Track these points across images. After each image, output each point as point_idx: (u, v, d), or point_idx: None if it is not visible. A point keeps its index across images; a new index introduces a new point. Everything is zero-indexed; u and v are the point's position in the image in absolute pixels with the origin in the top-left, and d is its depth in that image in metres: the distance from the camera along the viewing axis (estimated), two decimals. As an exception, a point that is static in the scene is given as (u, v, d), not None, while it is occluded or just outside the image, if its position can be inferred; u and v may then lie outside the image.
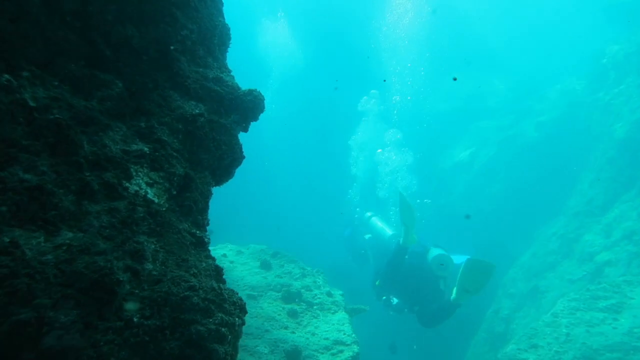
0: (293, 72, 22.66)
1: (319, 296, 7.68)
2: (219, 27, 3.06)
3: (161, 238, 2.33)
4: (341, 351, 6.46)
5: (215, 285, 2.28)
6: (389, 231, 12.18)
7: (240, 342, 6.32)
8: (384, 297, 8.88)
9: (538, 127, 15.52)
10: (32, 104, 2.25)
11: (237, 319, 2.22)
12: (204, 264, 2.38)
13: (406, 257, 9.02)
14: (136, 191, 2.35)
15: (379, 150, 17.21)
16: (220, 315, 2.18)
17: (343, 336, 6.72)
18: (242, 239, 9.65)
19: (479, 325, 13.14)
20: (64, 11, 2.57)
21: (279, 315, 7.01)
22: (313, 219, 17.71)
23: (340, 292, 7.99)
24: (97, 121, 2.47)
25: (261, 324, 6.66)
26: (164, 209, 2.40)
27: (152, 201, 2.38)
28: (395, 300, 8.85)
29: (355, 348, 6.53)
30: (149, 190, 2.40)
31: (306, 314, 7.18)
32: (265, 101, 3.04)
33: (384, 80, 17.34)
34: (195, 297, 2.13)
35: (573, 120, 14.50)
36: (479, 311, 13.48)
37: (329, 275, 8.97)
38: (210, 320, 2.13)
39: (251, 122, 3.05)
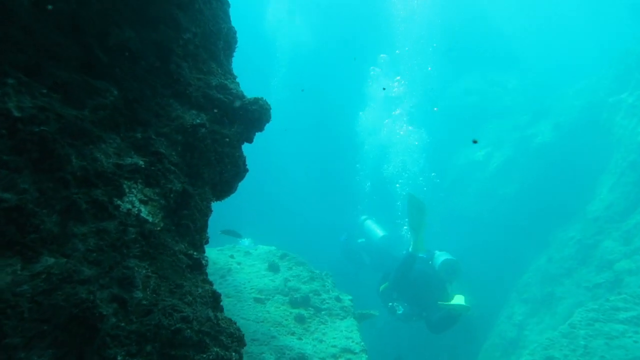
0: (300, 53, 22.42)
1: (327, 301, 7.49)
2: (224, 30, 2.86)
3: (154, 261, 2.15)
4: (349, 359, 6.28)
5: (211, 314, 2.10)
6: (379, 233, 12.25)
7: (246, 348, 6.17)
8: (390, 304, 8.77)
9: (556, 128, 15.11)
10: (16, 114, 2.08)
11: (234, 353, 2.04)
12: (200, 290, 2.20)
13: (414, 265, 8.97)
14: (128, 210, 2.17)
15: (386, 121, 17.06)
16: (215, 350, 2.00)
17: (351, 344, 6.53)
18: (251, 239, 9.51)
19: (490, 330, 12.89)
20: (55, 13, 2.40)
21: (285, 320, 6.84)
22: (322, 217, 17.49)
23: (349, 297, 7.79)
24: (88, 132, 2.29)
25: (267, 329, 6.50)
26: (158, 228, 2.22)
27: (146, 220, 2.20)
28: (400, 309, 8.73)
29: (364, 357, 6.35)
30: (142, 209, 2.22)
31: (314, 320, 7.01)
32: (271, 111, 2.84)
33: (384, 89, 17.15)
34: (189, 330, 1.95)
35: (593, 122, 14.06)
36: (490, 316, 13.22)
37: (338, 278, 8.79)
38: (204, 355, 1.95)
39: (256, 133, 2.85)
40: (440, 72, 19.91)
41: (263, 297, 7.31)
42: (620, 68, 14.52)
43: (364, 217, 13.40)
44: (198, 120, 2.51)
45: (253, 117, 2.73)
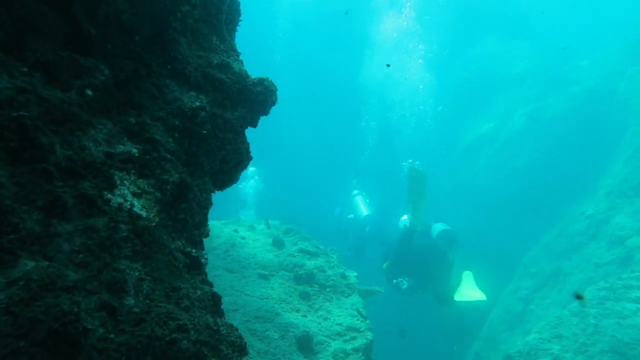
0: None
1: (332, 278, 7.39)
2: (226, 1, 2.59)
3: (148, 261, 1.97)
4: (354, 338, 6.22)
5: (210, 320, 1.92)
6: (365, 211, 12.17)
7: (250, 325, 6.09)
8: (395, 281, 8.74)
9: (570, 98, 14.66)
10: (-8, 98, 1.86)
11: (234, 364, 1.87)
12: (198, 292, 2.02)
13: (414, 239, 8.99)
14: (120, 204, 1.97)
15: (388, 65, 16.64)
16: (214, 361, 1.82)
17: (357, 322, 6.46)
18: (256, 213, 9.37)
19: (496, 303, 12.87)
20: (36, -19, 2.14)
21: (290, 297, 6.76)
22: (326, 189, 17.24)
23: (355, 274, 7.70)
24: (75, 117, 2.07)
25: (272, 306, 6.42)
26: (153, 224, 2.03)
27: (139, 215, 2.00)
28: (405, 284, 8.70)
29: (369, 335, 6.28)
30: (135, 202, 2.02)
31: (319, 297, 6.93)
32: (277, 92, 2.60)
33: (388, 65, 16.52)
34: (185, 341, 1.78)
35: (610, 92, 13.58)
36: (497, 289, 13.17)
37: (344, 254, 8.69)
38: (202, 368, 1.78)
39: (261, 117, 2.62)
40: (449, 40, 19.30)
41: (267, 272, 7.22)
42: (641, 36, 13.96)
43: (355, 192, 13.33)
44: (197, 103, 2.28)
45: (257, 99, 2.49)
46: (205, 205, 2.21)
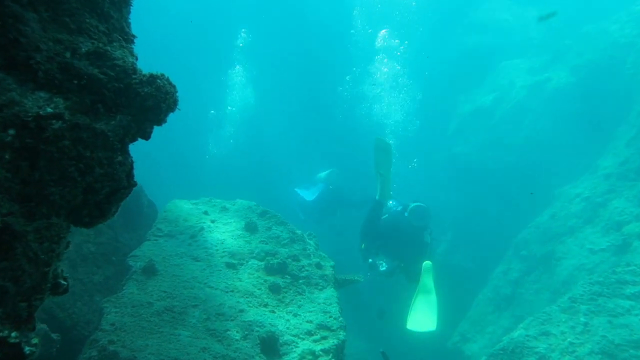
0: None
1: (306, 268, 6.86)
2: (110, -38, 1.89)
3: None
4: (325, 337, 5.74)
5: None
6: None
7: (209, 324, 5.57)
8: (370, 261, 8.36)
9: (574, 71, 13.82)
10: None
11: None
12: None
13: (385, 216, 8.95)
14: None
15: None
16: None
17: (329, 319, 5.97)
18: (231, 193, 8.76)
19: (485, 284, 12.50)
20: None
21: (258, 290, 6.25)
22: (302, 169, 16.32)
23: (331, 264, 7.16)
24: None
25: (236, 301, 5.91)
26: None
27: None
28: (384, 266, 8.34)
29: (341, 334, 5.80)
30: None
31: (290, 290, 6.41)
32: (177, 94, 1.93)
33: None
34: None
35: (617, 66, 12.73)
36: (486, 269, 12.79)
37: (322, 239, 8.15)
38: None
39: (153, 127, 1.95)
40: (442, 7, 18.16)
41: (236, 261, 6.67)
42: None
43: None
44: (49, 109, 1.61)
45: (145, 104, 1.82)
46: (48, 259, 1.58)
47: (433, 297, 7.02)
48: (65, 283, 1.84)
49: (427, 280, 7.15)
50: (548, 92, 13.92)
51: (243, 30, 20.03)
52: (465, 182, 14.48)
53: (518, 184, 12.83)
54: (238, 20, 20.53)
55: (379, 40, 15.68)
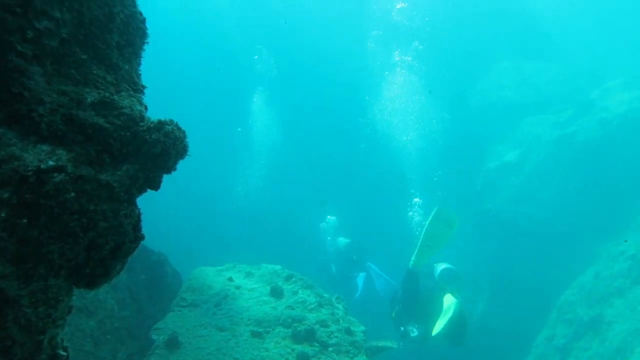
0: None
1: (335, 334, 6.46)
2: (119, 17, 1.86)
3: None
4: (358, 413, 5.26)
5: None
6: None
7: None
8: (402, 329, 7.85)
9: (602, 124, 13.52)
10: None
11: None
12: None
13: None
14: None
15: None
16: None
17: (361, 393, 5.50)
18: (257, 257, 8.56)
19: (527, 351, 11.60)
20: None
21: (286, 360, 5.86)
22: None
23: (362, 329, 6.75)
24: None
25: (263, 373, 5.54)
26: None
27: None
28: (415, 332, 7.81)
29: (376, 410, 5.30)
30: None
31: (319, 359, 5.99)
32: (187, 139, 1.83)
33: (430, 92, 15.56)
34: None
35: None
36: (527, 334, 11.93)
37: (351, 301, 7.77)
38: None
39: (162, 175, 1.84)
40: (468, 63, 18.42)
41: (262, 329, 6.35)
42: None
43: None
44: (51, 162, 1.51)
45: (153, 151, 1.72)
46: (43, 326, 1.40)
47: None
48: (65, 354, 1.65)
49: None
50: (577, 145, 13.58)
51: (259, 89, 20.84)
52: (497, 239, 13.90)
53: (554, 240, 12.22)
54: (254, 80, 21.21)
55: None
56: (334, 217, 14.66)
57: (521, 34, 19.27)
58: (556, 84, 17.19)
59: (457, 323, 7.45)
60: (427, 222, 8.41)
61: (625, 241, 10.07)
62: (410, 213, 13.90)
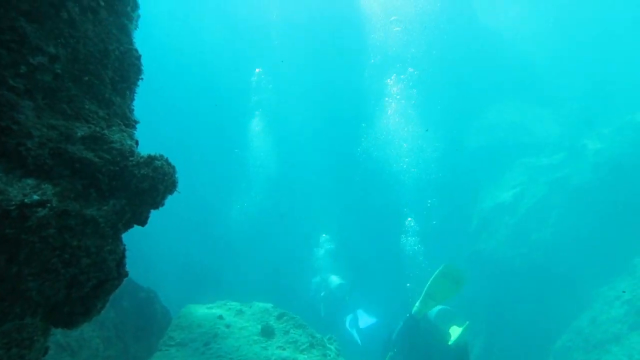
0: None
1: (326, 379, 6.27)
2: (114, 54, 1.88)
3: None
4: None
5: None
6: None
7: None
8: None
9: (595, 168, 13.64)
10: None
11: None
12: None
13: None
14: None
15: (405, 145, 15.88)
16: None
17: None
18: (249, 291, 8.41)
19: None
20: None
21: (274, 405, 5.66)
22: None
23: (354, 373, 6.55)
24: None
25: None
26: None
27: None
28: None
29: None
30: None
31: (309, 405, 5.80)
32: (176, 174, 1.82)
33: (427, 130, 15.78)
34: None
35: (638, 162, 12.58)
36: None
37: (344, 341, 7.59)
38: None
39: (150, 210, 1.82)
40: (462, 105, 18.68)
41: (250, 371, 6.16)
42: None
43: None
44: (35, 196, 1.49)
45: (142, 186, 1.70)
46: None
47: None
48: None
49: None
50: (571, 187, 13.66)
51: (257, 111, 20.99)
52: (492, 280, 13.74)
53: (549, 282, 12.10)
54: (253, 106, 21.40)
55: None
56: (327, 236, 14.47)
57: (516, 78, 19.69)
58: (549, 127, 17.45)
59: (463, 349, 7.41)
60: (432, 278, 8.19)
61: (624, 292, 9.97)
62: (404, 237, 13.90)
